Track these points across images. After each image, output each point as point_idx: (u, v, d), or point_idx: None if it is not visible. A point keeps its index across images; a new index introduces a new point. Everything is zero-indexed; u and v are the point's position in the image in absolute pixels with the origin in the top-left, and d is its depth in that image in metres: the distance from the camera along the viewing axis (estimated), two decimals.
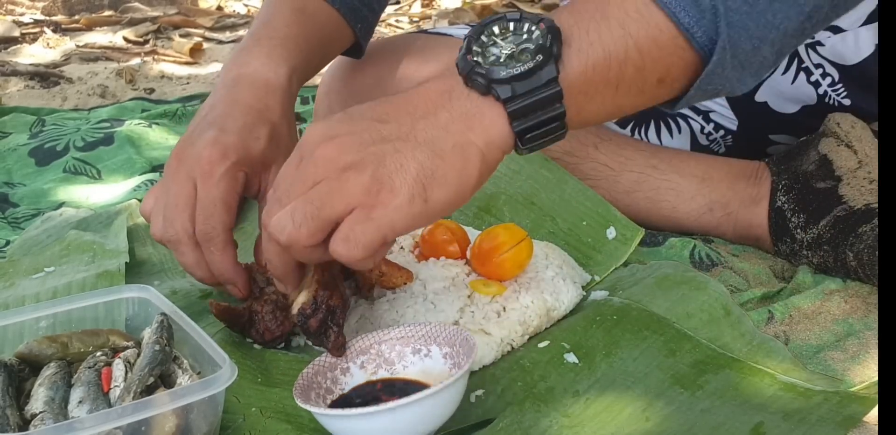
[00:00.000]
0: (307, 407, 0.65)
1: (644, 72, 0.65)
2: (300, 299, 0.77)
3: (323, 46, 1.01)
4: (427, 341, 0.74)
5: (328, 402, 0.70)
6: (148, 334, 0.72)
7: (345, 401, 0.71)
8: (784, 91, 1.08)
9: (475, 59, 0.63)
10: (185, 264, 0.83)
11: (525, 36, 0.64)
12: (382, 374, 0.73)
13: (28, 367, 0.71)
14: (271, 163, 0.86)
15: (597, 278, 0.94)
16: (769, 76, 1.08)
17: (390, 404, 0.63)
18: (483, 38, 0.65)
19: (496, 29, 0.65)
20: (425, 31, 1.24)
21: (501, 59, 0.63)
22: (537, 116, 0.64)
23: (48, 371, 0.69)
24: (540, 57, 0.62)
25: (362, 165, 0.62)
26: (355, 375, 0.73)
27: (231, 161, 0.82)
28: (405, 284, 0.82)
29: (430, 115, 0.64)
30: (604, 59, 0.64)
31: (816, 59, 1.04)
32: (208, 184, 0.81)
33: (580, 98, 0.65)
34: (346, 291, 0.80)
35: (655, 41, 0.64)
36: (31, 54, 2.42)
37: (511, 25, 0.64)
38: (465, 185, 0.64)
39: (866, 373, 0.79)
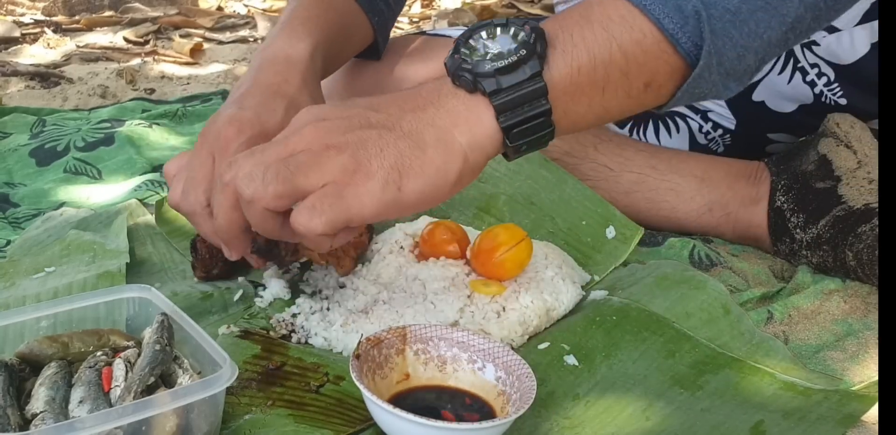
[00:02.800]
0: (362, 387, 0.65)
1: (629, 75, 0.67)
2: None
3: (344, 30, 1.03)
4: (485, 357, 0.73)
5: (374, 379, 0.70)
6: (148, 334, 0.73)
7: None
8: (781, 90, 1.08)
9: (462, 57, 0.66)
10: (202, 233, 0.85)
11: (511, 37, 0.66)
12: (432, 369, 0.73)
13: (29, 366, 0.71)
14: None
15: (596, 278, 0.94)
16: (766, 76, 1.08)
17: (452, 424, 0.63)
18: (471, 41, 0.67)
19: (484, 33, 0.67)
20: (425, 32, 1.24)
21: (487, 57, 0.65)
22: (524, 112, 0.65)
23: (49, 371, 0.69)
24: (523, 51, 0.64)
25: (344, 146, 0.64)
26: (408, 359, 0.73)
27: (246, 136, 0.83)
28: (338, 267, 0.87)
29: (418, 110, 0.66)
30: (588, 60, 0.66)
31: (812, 59, 1.05)
32: (223, 159, 0.82)
33: (566, 98, 0.66)
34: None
35: (639, 45, 0.66)
36: (32, 54, 2.42)
37: (498, 30, 0.67)
38: (442, 181, 0.65)
39: (865, 373, 0.79)
